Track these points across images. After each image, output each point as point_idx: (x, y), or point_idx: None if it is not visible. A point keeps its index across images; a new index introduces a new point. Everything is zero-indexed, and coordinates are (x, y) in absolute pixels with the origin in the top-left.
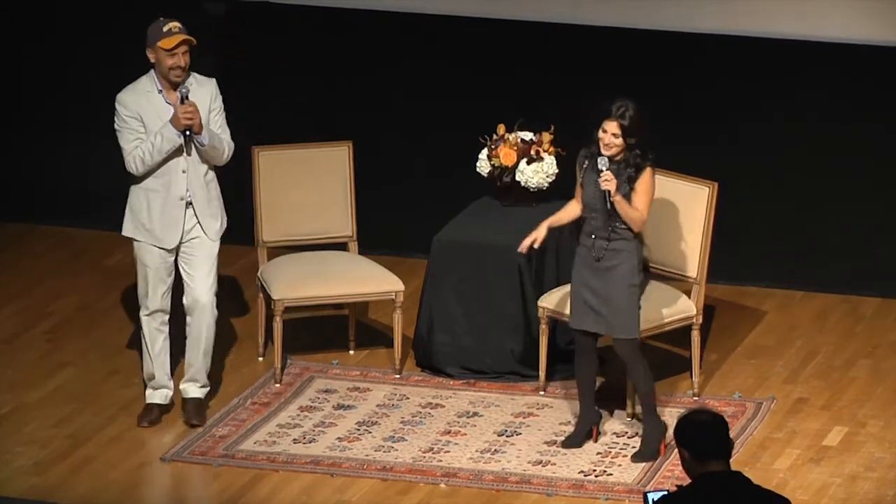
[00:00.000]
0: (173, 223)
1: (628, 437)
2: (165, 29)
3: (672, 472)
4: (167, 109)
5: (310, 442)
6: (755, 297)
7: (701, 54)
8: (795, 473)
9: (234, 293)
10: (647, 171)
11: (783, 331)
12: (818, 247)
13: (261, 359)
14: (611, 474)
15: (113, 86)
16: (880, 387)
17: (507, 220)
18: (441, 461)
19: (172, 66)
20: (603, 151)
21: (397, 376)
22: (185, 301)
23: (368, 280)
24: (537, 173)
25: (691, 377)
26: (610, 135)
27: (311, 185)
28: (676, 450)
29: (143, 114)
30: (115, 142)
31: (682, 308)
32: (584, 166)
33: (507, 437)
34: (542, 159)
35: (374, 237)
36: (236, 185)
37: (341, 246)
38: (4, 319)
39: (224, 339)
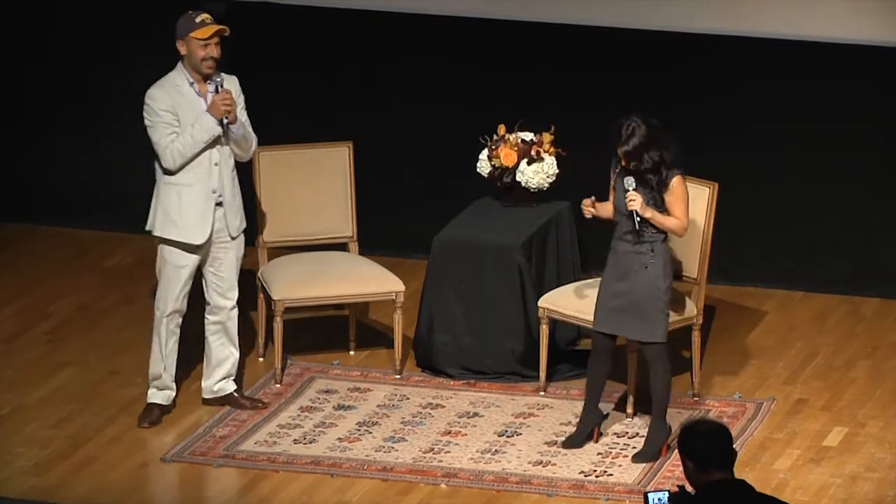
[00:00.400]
0: (205, 217)
1: (629, 438)
2: (198, 20)
3: (672, 472)
4: (200, 102)
5: (310, 442)
6: (755, 297)
7: (701, 54)
8: (795, 474)
9: None
10: (677, 179)
11: (783, 331)
12: (818, 247)
13: (261, 359)
14: (611, 475)
15: (113, 86)
16: (880, 387)
17: (507, 220)
18: (441, 461)
19: (205, 57)
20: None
21: (398, 377)
22: (213, 301)
23: (369, 280)
24: (538, 174)
25: (691, 377)
26: (624, 159)
27: (311, 185)
28: (677, 451)
29: (177, 107)
30: (115, 140)
31: (683, 309)
32: (617, 171)
33: (508, 437)
34: (542, 160)
35: (374, 237)
36: None
37: (341, 246)
38: (4, 319)
39: None
